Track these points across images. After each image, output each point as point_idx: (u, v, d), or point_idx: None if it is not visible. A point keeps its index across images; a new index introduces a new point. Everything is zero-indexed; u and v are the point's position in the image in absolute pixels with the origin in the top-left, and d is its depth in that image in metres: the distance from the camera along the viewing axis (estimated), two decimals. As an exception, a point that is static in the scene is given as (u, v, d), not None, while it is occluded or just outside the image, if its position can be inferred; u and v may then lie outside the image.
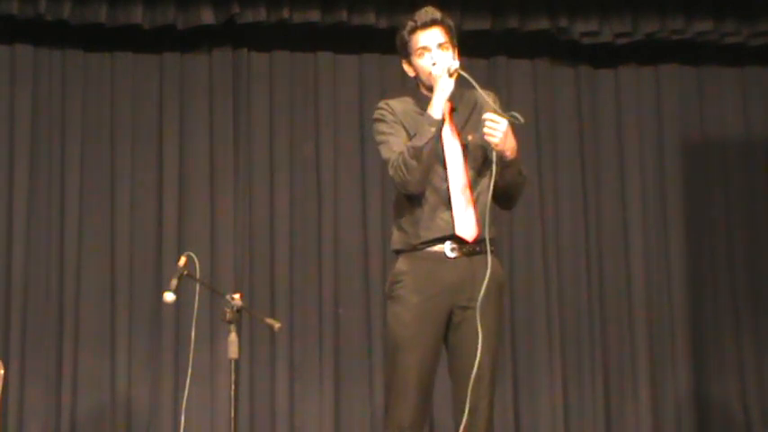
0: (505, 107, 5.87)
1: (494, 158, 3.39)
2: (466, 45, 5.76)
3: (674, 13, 5.72)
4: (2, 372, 4.15)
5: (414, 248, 3.45)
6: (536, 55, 5.93)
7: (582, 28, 5.72)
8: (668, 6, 5.72)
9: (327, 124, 5.70)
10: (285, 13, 5.45)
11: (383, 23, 5.53)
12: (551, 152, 5.86)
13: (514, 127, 3.41)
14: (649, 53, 5.95)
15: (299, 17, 5.49)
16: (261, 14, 5.45)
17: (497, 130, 3.33)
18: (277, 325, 3.86)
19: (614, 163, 5.91)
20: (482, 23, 5.60)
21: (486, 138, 3.36)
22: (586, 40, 5.77)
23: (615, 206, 5.87)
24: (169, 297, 3.83)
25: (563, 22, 5.68)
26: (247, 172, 5.63)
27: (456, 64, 3.43)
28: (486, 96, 3.45)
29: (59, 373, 5.30)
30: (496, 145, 3.35)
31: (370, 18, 5.52)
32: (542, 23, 5.67)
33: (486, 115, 3.36)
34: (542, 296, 5.70)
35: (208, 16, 5.42)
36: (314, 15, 5.48)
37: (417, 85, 3.58)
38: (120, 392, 5.34)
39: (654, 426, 5.64)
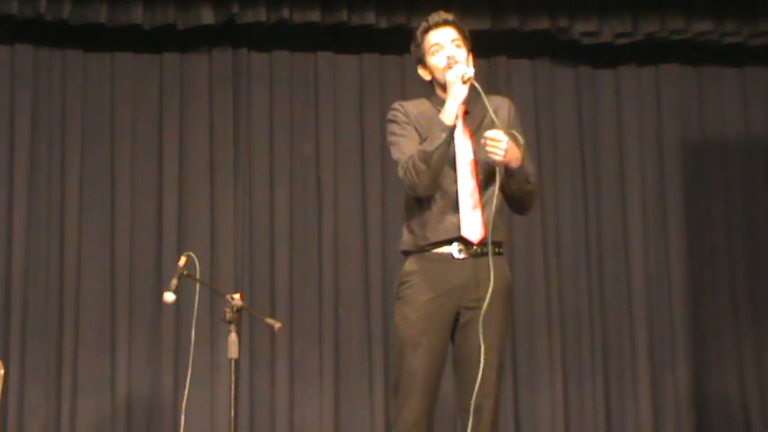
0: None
1: (497, 170, 3.40)
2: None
3: (673, 13, 5.72)
4: (2, 372, 4.15)
5: (421, 250, 3.47)
6: (536, 55, 5.93)
7: (582, 28, 5.72)
8: (668, 6, 5.72)
9: (327, 124, 5.70)
10: (285, 13, 5.45)
11: (383, 23, 5.53)
12: (551, 152, 5.86)
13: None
14: (649, 53, 5.95)
15: (299, 17, 5.49)
16: (261, 14, 5.45)
17: (499, 147, 3.33)
18: (277, 325, 3.86)
19: (614, 163, 5.91)
20: (482, 23, 5.59)
21: (488, 155, 3.36)
22: (586, 40, 5.77)
23: (615, 206, 5.87)
24: (169, 297, 3.83)
25: (563, 22, 5.69)
26: (247, 172, 5.63)
27: (470, 72, 3.43)
28: (492, 113, 3.40)
29: (59, 373, 5.31)
30: (500, 162, 3.36)
31: (370, 18, 5.52)
32: (542, 23, 5.68)
33: (488, 133, 3.35)
34: (542, 296, 5.70)
35: (208, 16, 5.42)
36: (314, 15, 5.48)
37: (432, 88, 3.59)
38: (120, 392, 5.34)
39: (654, 425, 5.64)
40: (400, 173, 3.45)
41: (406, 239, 3.54)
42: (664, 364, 5.72)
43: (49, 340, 5.33)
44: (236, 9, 5.41)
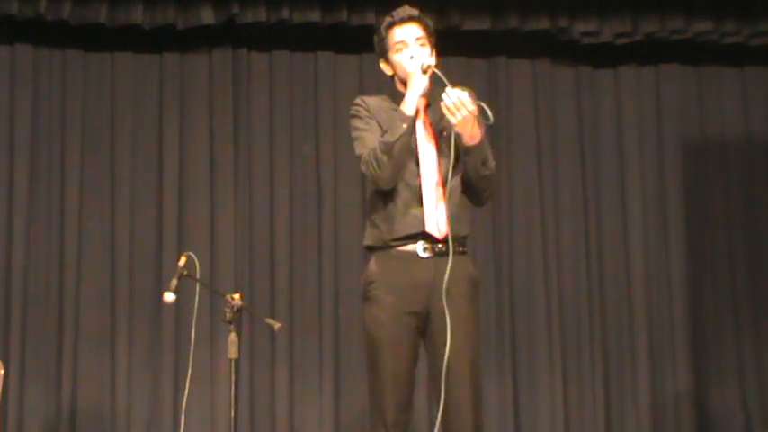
0: (504, 107, 5.89)
1: (451, 139, 3.35)
2: (466, 45, 5.81)
3: (673, 13, 5.73)
4: (2, 372, 4.16)
5: (386, 245, 3.44)
6: (536, 55, 5.93)
7: (582, 28, 5.72)
8: (668, 6, 5.72)
9: (327, 124, 5.70)
10: (285, 13, 5.46)
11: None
12: (551, 152, 5.86)
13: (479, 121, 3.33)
14: (649, 53, 5.95)
15: (299, 17, 5.49)
16: (261, 14, 5.45)
17: (459, 109, 3.26)
18: (277, 325, 3.86)
19: (614, 163, 5.91)
20: (482, 23, 5.60)
21: (445, 113, 3.30)
22: (586, 40, 5.77)
23: (615, 206, 5.87)
24: (169, 297, 3.83)
25: (563, 22, 5.69)
26: (247, 172, 5.63)
27: (431, 61, 3.40)
28: (454, 90, 3.30)
29: (59, 373, 5.31)
30: (454, 125, 3.31)
31: (370, 18, 5.52)
32: (542, 23, 5.68)
33: (451, 91, 3.27)
34: (542, 296, 5.70)
35: (208, 16, 5.42)
36: (314, 15, 5.48)
37: (394, 84, 3.56)
38: (120, 392, 5.34)
39: (654, 426, 5.64)
40: (362, 167, 3.42)
41: (369, 234, 3.51)
42: (664, 364, 5.72)
43: (49, 340, 5.33)
44: (236, 9, 5.42)
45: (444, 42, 5.53)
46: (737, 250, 5.89)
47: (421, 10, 3.57)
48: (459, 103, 3.26)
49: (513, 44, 5.85)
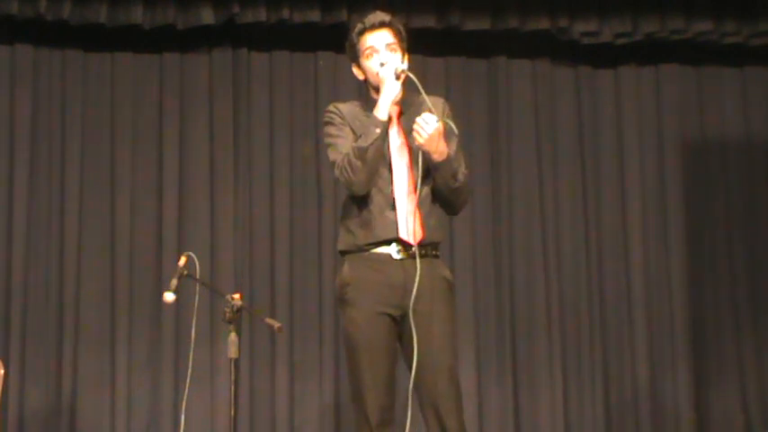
0: (504, 107, 5.88)
1: (419, 153, 3.40)
2: (466, 45, 5.81)
3: (673, 13, 5.72)
4: (2, 372, 4.16)
5: (360, 250, 3.47)
6: (536, 55, 5.93)
7: (582, 28, 5.72)
8: (668, 6, 5.72)
9: (327, 124, 5.69)
10: (285, 13, 5.46)
11: (383, 23, 5.52)
12: (551, 152, 5.86)
13: (446, 132, 3.40)
14: (649, 53, 5.95)
15: (299, 17, 5.49)
16: (261, 14, 5.45)
17: (425, 129, 3.33)
18: (277, 325, 3.85)
19: (614, 163, 5.91)
20: (482, 23, 5.59)
21: (413, 134, 3.37)
22: (586, 40, 5.77)
23: (615, 206, 5.87)
24: (169, 297, 3.82)
25: (563, 22, 5.69)
26: (247, 172, 5.63)
27: (404, 66, 3.44)
28: (428, 100, 3.40)
29: (59, 373, 5.31)
30: (421, 144, 3.37)
31: (371, 18, 5.51)
32: (542, 23, 5.68)
33: (421, 115, 3.36)
34: (542, 296, 5.70)
35: (208, 16, 5.42)
36: (314, 15, 5.48)
37: (366, 89, 3.60)
38: (120, 392, 5.34)
39: (653, 426, 5.64)
40: (336, 172, 3.47)
41: (344, 239, 3.54)
42: (664, 364, 5.72)
43: (49, 340, 5.33)
44: (236, 9, 5.41)
45: (444, 42, 5.61)
46: (737, 250, 5.88)
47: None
48: (424, 123, 3.33)
49: (513, 44, 5.85)
